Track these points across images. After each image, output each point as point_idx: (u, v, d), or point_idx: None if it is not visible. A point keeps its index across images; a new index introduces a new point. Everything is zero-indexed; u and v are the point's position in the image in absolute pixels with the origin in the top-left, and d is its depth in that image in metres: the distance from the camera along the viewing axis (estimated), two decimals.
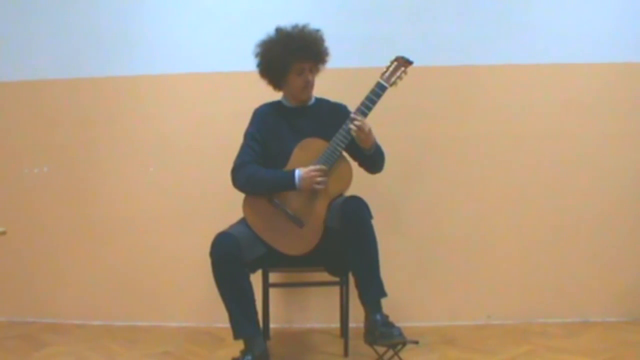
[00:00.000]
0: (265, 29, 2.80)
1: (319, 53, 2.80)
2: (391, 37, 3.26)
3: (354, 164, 2.82)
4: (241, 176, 2.74)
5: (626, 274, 3.30)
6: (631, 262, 3.30)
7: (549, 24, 3.30)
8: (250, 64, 2.84)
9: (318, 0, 3.37)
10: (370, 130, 2.70)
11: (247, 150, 2.79)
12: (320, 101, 2.94)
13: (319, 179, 2.65)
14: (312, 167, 2.67)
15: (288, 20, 2.80)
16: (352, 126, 2.66)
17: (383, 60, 2.80)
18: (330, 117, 2.81)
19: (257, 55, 2.82)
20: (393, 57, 2.79)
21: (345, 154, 2.77)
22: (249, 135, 2.83)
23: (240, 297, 2.58)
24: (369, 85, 2.74)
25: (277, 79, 2.83)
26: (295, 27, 2.79)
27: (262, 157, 2.79)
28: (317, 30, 2.81)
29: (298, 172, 2.67)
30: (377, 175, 2.88)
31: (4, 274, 3.53)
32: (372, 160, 2.82)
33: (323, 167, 2.67)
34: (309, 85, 2.83)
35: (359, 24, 3.29)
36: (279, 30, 2.79)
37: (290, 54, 2.73)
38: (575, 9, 3.30)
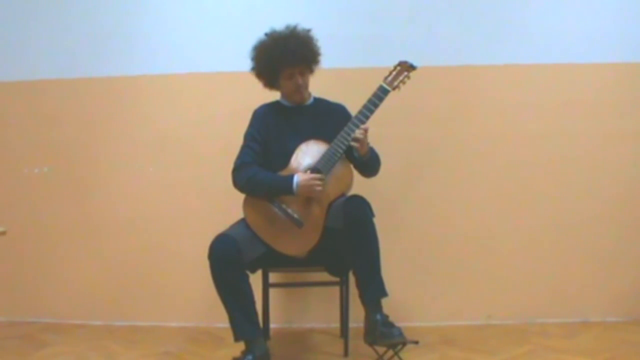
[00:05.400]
0: (265, 29, 2.80)
1: (307, 56, 2.78)
2: (391, 37, 3.26)
3: None
4: (241, 177, 2.74)
5: (626, 274, 3.30)
6: (631, 262, 3.30)
7: (549, 24, 3.29)
8: (250, 64, 2.84)
9: (318, 1, 3.37)
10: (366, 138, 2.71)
11: (247, 151, 2.79)
12: (319, 101, 2.94)
13: (318, 187, 2.64)
14: (311, 175, 2.66)
15: (288, 20, 2.80)
16: (356, 136, 2.65)
17: (383, 61, 2.80)
18: (328, 117, 2.81)
19: (251, 59, 2.83)
20: (397, 62, 2.79)
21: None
22: (249, 136, 2.83)
23: (240, 300, 2.58)
24: (369, 85, 2.74)
25: (270, 82, 2.86)
26: (286, 28, 2.78)
27: (262, 158, 2.79)
28: (308, 31, 2.79)
29: (297, 179, 2.66)
30: (378, 176, 2.88)
31: (4, 274, 3.53)
32: (366, 165, 2.82)
33: (322, 174, 2.66)
34: (300, 89, 2.82)
35: (359, 24, 3.29)
36: (268, 35, 2.79)
37: (278, 59, 2.73)
38: (575, 9, 3.30)
